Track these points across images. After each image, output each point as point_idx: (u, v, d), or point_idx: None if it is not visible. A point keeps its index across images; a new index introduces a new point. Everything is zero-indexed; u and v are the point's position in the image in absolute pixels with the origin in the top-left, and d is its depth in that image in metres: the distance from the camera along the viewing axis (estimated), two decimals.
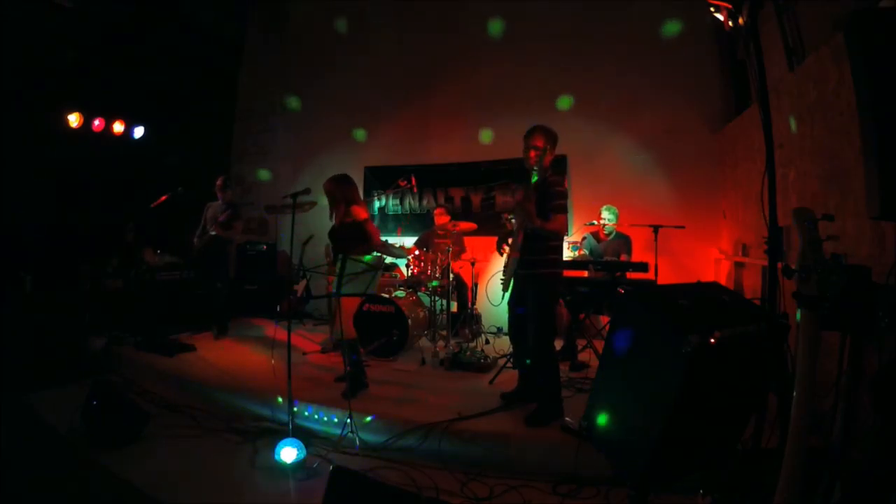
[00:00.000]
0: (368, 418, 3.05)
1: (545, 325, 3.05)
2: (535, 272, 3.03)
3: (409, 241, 5.74)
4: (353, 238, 3.51)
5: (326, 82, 6.87)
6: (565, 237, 4.69)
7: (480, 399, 3.34)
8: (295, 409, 3.06)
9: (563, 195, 3.01)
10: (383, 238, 5.17)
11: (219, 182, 5.16)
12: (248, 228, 7.17)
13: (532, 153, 3.07)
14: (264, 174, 7.31)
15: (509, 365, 3.89)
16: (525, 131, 3.16)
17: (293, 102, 7.00)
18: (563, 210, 3.00)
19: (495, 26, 6.03)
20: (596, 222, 4.78)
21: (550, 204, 2.97)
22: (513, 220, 3.24)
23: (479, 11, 6.11)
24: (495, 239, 3.48)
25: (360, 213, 3.59)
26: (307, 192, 3.26)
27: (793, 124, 3.28)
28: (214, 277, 5.10)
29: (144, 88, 6.14)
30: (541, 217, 2.96)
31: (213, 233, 5.00)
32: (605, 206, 4.79)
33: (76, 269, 5.38)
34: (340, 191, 3.63)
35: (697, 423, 1.72)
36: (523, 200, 3.03)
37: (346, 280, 3.16)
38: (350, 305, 3.55)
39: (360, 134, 6.75)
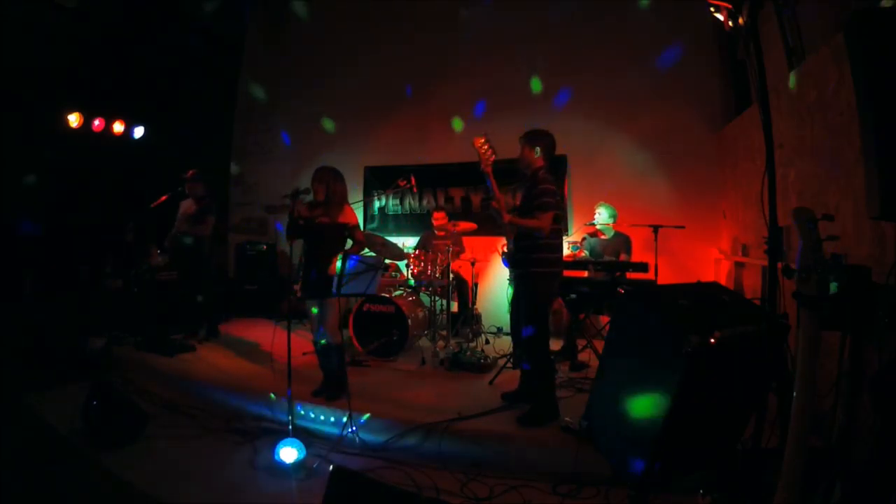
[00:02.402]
0: (367, 416, 3.05)
1: (537, 325, 3.05)
2: (527, 271, 3.04)
3: (410, 242, 5.73)
4: (339, 239, 3.43)
5: (326, 82, 6.87)
6: (565, 237, 4.67)
7: (480, 399, 3.34)
8: (296, 409, 3.05)
9: (550, 193, 2.99)
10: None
11: (189, 174, 4.80)
12: (249, 229, 7.17)
13: (522, 160, 3.14)
14: (264, 174, 7.31)
15: (509, 365, 3.90)
16: (523, 132, 3.19)
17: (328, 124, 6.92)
18: (549, 208, 2.97)
19: (495, 26, 6.04)
20: (595, 222, 4.74)
21: (536, 202, 2.98)
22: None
23: (479, 11, 6.11)
24: (495, 239, 3.49)
25: (353, 216, 3.51)
26: (307, 192, 3.26)
27: None
28: (193, 279, 4.90)
29: (144, 88, 6.13)
30: (527, 215, 2.98)
31: (179, 232, 4.77)
32: (600, 203, 4.67)
33: (76, 269, 5.37)
34: (340, 187, 3.50)
35: (697, 423, 1.72)
36: (492, 200, 3.06)
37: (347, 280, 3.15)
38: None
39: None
